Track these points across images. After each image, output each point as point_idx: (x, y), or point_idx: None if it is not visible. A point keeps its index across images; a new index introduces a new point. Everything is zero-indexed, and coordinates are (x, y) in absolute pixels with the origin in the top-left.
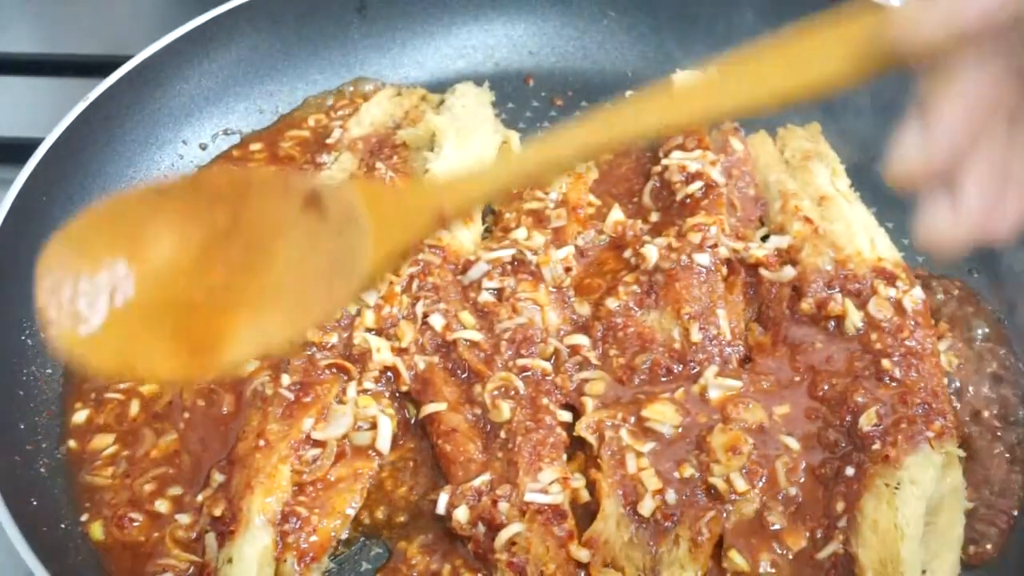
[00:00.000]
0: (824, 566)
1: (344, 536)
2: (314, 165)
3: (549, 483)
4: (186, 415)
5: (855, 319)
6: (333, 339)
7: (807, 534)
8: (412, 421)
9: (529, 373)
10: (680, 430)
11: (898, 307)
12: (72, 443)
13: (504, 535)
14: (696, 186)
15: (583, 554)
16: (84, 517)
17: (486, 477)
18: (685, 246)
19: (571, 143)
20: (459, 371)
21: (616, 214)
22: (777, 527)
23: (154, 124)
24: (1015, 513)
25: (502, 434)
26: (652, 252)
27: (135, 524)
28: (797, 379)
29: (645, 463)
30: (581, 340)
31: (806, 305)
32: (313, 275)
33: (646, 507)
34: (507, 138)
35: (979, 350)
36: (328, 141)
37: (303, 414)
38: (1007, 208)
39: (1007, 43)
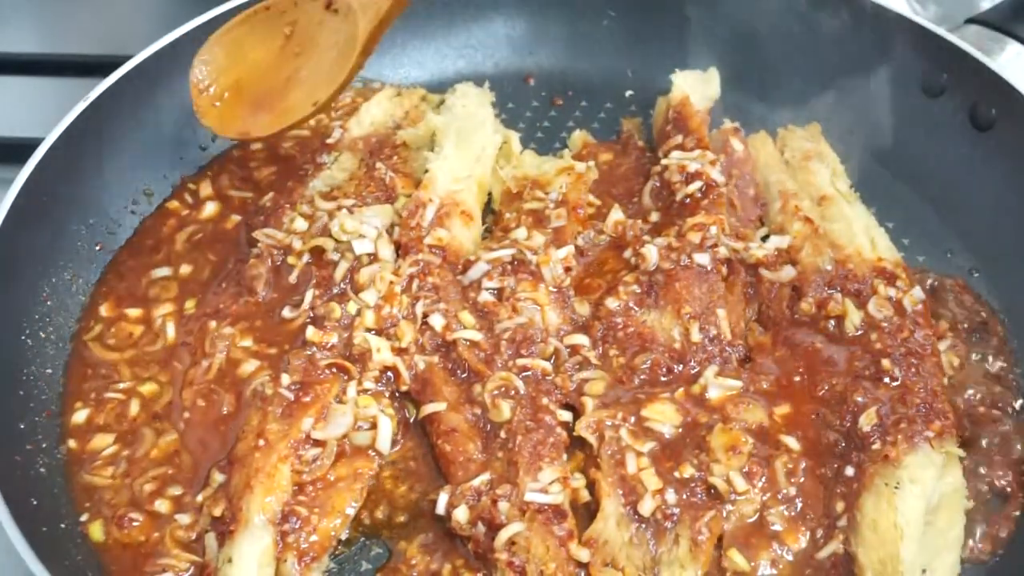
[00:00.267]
0: (824, 566)
1: (344, 536)
2: (314, 165)
3: (549, 483)
4: (186, 415)
5: (855, 319)
6: (333, 339)
7: (807, 534)
8: (412, 421)
9: (529, 373)
10: (680, 430)
11: (898, 307)
12: (72, 443)
13: (504, 535)
14: (696, 186)
15: (583, 554)
16: (84, 517)
17: (486, 477)
18: (685, 246)
19: None
20: (459, 371)
21: (616, 214)
22: (777, 527)
23: (154, 124)
24: (1015, 513)
25: (502, 434)
26: (652, 252)
27: (135, 524)
28: (797, 379)
29: (645, 463)
30: (581, 340)
31: (806, 305)
32: (328, 57)
33: (646, 507)
34: (507, 138)
35: (979, 350)
36: (328, 141)
37: (303, 414)
38: None
39: None
